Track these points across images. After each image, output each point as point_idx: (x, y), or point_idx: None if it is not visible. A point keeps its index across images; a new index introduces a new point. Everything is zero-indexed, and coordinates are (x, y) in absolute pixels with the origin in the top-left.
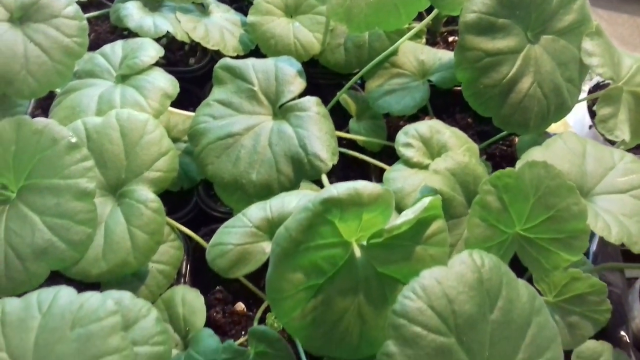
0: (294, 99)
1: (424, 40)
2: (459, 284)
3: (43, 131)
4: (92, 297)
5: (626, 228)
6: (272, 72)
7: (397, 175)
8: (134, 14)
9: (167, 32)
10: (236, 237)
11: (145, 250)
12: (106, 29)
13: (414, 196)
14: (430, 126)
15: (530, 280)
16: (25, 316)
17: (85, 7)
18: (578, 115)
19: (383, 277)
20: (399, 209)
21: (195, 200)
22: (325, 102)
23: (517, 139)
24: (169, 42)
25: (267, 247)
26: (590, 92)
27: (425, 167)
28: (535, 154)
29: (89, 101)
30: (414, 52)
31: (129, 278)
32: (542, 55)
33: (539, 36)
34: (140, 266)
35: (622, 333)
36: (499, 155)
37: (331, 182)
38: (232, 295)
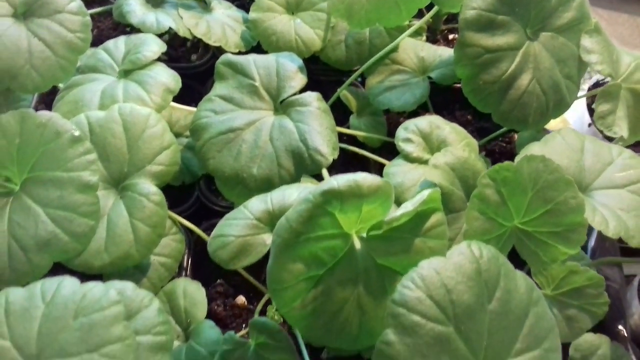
0: (295, 94)
1: (424, 37)
2: (457, 274)
3: (47, 124)
4: (95, 287)
5: (624, 222)
6: (274, 68)
7: (397, 170)
8: (136, 10)
9: (170, 28)
10: (237, 229)
11: (147, 242)
12: (109, 25)
13: (414, 191)
14: (430, 121)
15: (528, 274)
16: (29, 305)
17: (88, 4)
18: (577, 113)
19: (382, 268)
20: (399, 204)
21: (197, 194)
22: (326, 98)
23: (516, 136)
24: (171, 39)
25: (267, 239)
26: (589, 90)
27: (425, 162)
28: (534, 149)
29: (91, 96)
30: (414, 49)
31: (131, 270)
32: (541, 52)
33: (538, 33)
34: (142, 258)
35: (620, 327)
36: (499, 152)
37: None
38: (233, 289)
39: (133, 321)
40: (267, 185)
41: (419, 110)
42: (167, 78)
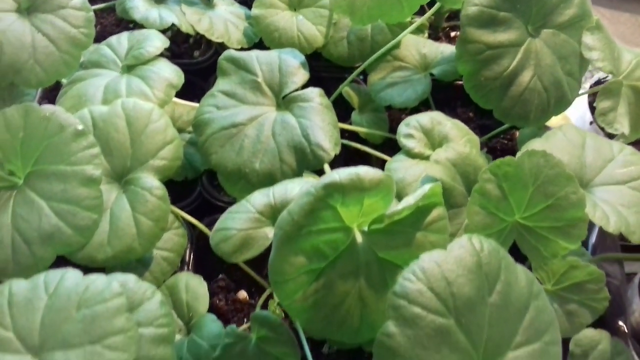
0: (297, 90)
1: (426, 34)
2: (458, 267)
3: (50, 118)
4: (97, 279)
5: (624, 218)
6: (276, 64)
7: (399, 166)
8: (139, 6)
9: (173, 24)
10: (240, 222)
11: (150, 236)
12: (112, 22)
13: (415, 186)
14: (431, 117)
15: (529, 269)
16: (32, 297)
17: (91, 0)
18: (579, 112)
19: (384, 262)
20: (400, 199)
21: (199, 190)
22: (328, 94)
23: (517, 133)
24: (173, 35)
25: (270, 232)
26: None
27: (426, 158)
28: (535, 145)
29: (95, 91)
30: (416, 46)
31: (133, 264)
32: (542, 49)
33: (540, 30)
34: (144, 252)
35: (620, 323)
36: (500, 149)
37: None
38: (234, 284)
39: (135, 313)
40: (269, 180)
41: (421, 107)
42: (169, 73)
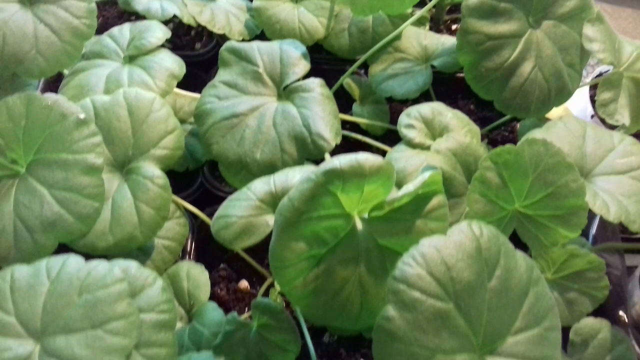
0: (298, 80)
1: (427, 27)
2: (457, 252)
3: (52, 107)
4: (99, 265)
5: (624, 207)
6: (277, 55)
7: (399, 156)
8: None
9: (174, 16)
10: (241, 209)
11: (152, 224)
12: (114, 14)
13: (416, 176)
14: (432, 108)
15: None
16: (34, 282)
17: None
18: (580, 106)
19: (384, 249)
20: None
21: (201, 180)
22: (329, 87)
23: (518, 125)
24: (175, 27)
25: (270, 220)
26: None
27: (427, 148)
28: (535, 135)
29: (97, 81)
30: (417, 37)
31: (135, 253)
32: (543, 40)
33: (541, 21)
34: (146, 241)
35: (621, 313)
36: (501, 141)
37: None
38: (236, 273)
39: (137, 299)
40: (270, 170)
41: (422, 99)
42: (171, 63)
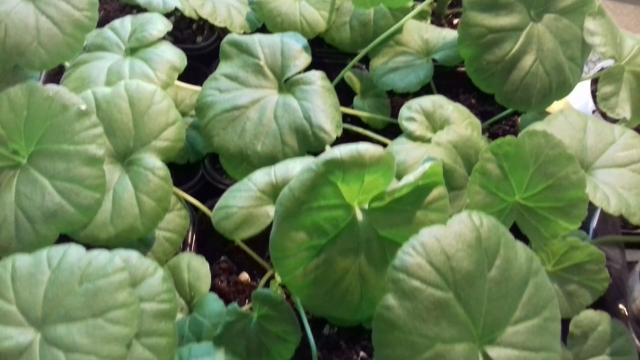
0: (299, 73)
1: (428, 21)
2: (457, 242)
3: (54, 98)
4: (100, 254)
5: (625, 200)
6: (278, 47)
7: (400, 149)
8: None
9: (176, 9)
10: (241, 200)
11: (153, 216)
12: (115, 7)
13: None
14: (433, 101)
15: None
16: (35, 271)
17: None
18: (582, 101)
19: (384, 240)
20: None
21: (202, 173)
22: (330, 80)
23: (519, 119)
24: (177, 21)
25: (271, 211)
26: (594, 78)
27: (427, 141)
28: (536, 127)
29: (98, 73)
30: (419, 31)
31: (136, 244)
32: (544, 34)
33: (542, 14)
34: (147, 232)
35: (621, 306)
36: (502, 135)
37: None
38: (236, 266)
39: (138, 289)
40: (271, 162)
41: (423, 93)
42: (172, 56)
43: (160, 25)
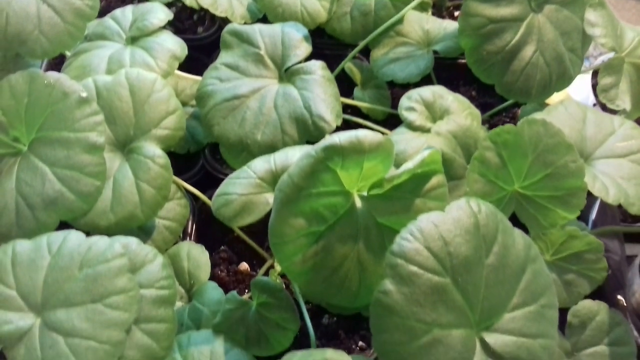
0: (299, 62)
1: (429, 13)
2: (455, 228)
3: (55, 85)
4: (100, 240)
5: (624, 190)
6: (279, 37)
7: (400, 138)
8: None
9: None
10: (241, 187)
11: (152, 204)
12: None
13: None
14: (433, 91)
15: None
16: (35, 257)
17: None
18: (582, 95)
19: (383, 227)
20: None
21: (202, 163)
22: (330, 71)
23: (519, 111)
24: (178, 11)
25: (270, 198)
26: (595, 71)
27: (427, 131)
28: (535, 117)
29: (99, 61)
30: (420, 22)
31: (136, 232)
32: (545, 24)
33: (543, 5)
34: (147, 220)
35: (619, 297)
36: None
37: None
38: (236, 256)
39: (137, 275)
40: (270, 151)
41: (423, 84)
42: (173, 45)
43: (161, 15)
